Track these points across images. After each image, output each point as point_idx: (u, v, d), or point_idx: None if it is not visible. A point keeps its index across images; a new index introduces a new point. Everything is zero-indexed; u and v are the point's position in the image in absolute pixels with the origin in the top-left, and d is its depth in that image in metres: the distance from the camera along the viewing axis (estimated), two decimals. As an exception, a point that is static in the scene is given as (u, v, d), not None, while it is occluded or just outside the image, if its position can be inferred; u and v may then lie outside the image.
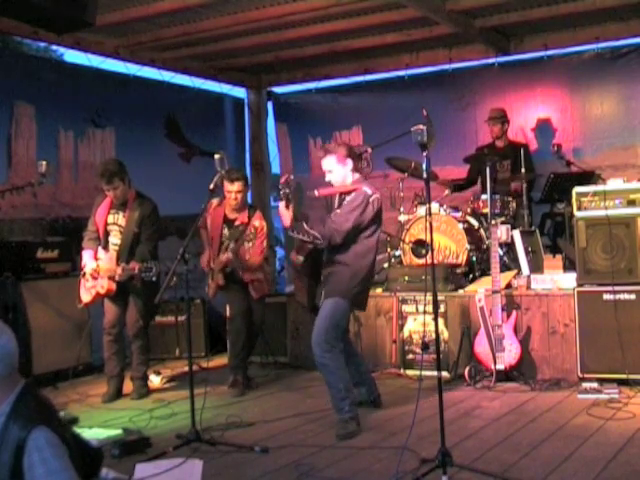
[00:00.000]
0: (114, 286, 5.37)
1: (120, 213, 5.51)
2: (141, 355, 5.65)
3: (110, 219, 5.52)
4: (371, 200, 4.45)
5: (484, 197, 6.47)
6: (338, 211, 4.45)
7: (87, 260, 5.48)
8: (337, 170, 4.51)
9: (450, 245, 6.31)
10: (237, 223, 5.66)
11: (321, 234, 4.38)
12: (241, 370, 5.66)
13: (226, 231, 5.69)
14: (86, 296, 5.46)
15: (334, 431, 4.36)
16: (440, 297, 5.57)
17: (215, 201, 5.68)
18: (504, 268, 6.00)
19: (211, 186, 4.36)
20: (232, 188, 5.55)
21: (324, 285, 4.58)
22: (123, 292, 5.48)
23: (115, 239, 5.51)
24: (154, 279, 5.07)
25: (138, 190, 5.61)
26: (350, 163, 4.53)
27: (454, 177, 7.22)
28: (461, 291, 5.97)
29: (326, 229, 4.39)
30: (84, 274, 5.45)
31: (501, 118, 7.22)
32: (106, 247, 5.49)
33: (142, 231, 5.46)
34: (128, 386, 5.68)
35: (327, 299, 4.51)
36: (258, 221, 5.59)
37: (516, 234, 6.14)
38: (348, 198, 4.48)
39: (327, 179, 4.55)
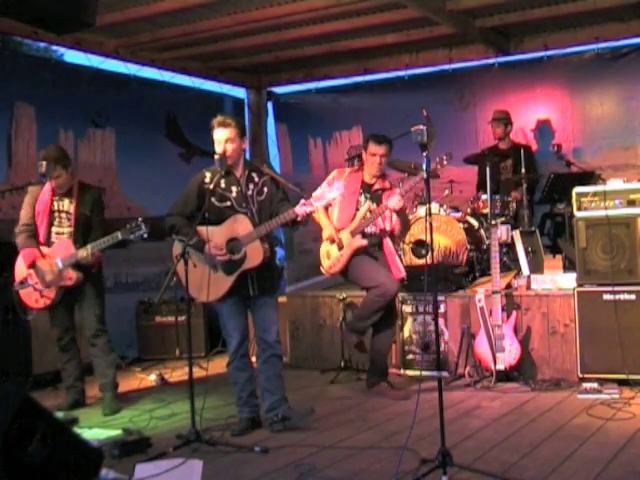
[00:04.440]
0: (81, 275, 5.04)
1: (65, 199, 5.15)
2: (106, 356, 5.27)
3: (55, 206, 5.14)
4: None
5: (484, 197, 6.47)
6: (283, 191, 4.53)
7: (22, 264, 5.07)
8: (237, 144, 4.53)
9: (450, 245, 6.31)
10: None
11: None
12: None
13: None
14: (48, 295, 5.04)
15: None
16: (440, 297, 5.60)
17: None
18: (504, 268, 6.00)
19: (211, 186, 4.36)
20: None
21: (261, 278, 4.45)
22: (68, 298, 5.16)
23: (61, 228, 5.13)
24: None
25: (82, 180, 5.35)
26: (246, 143, 4.62)
27: (453, 178, 7.19)
28: (461, 291, 5.97)
29: None
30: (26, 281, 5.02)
31: (504, 120, 7.21)
32: (48, 241, 5.11)
33: (93, 216, 5.16)
34: (123, 387, 5.65)
35: (272, 296, 4.58)
36: None
37: (516, 234, 6.14)
38: (266, 180, 4.56)
39: (220, 149, 4.48)
